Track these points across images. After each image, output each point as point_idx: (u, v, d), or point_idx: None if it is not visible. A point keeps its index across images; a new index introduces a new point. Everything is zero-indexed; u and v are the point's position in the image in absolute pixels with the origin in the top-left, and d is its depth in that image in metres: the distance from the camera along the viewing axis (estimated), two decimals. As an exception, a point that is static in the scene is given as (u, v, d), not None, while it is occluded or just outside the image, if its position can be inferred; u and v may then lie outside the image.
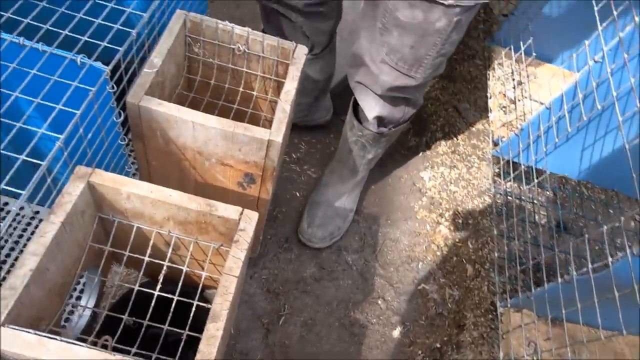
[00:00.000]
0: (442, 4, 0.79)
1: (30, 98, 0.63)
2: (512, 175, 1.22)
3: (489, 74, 1.39)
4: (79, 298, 0.81)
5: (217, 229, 0.68)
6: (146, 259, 0.69)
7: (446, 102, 1.54)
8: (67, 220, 0.61)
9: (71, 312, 0.79)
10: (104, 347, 0.59)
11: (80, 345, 0.52)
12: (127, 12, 0.71)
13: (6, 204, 1.05)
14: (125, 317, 0.67)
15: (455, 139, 1.48)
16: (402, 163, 1.43)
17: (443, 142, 1.47)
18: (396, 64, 0.93)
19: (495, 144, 1.31)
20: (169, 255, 0.71)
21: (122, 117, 0.76)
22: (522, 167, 1.18)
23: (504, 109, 1.27)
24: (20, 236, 1.00)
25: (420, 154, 1.45)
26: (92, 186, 0.65)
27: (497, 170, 1.32)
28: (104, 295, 0.86)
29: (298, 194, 1.33)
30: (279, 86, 0.95)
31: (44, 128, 0.60)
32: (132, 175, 0.90)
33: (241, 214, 0.65)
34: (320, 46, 1.19)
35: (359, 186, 1.28)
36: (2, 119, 0.61)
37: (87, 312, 0.71)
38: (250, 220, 0.65)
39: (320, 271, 1.24)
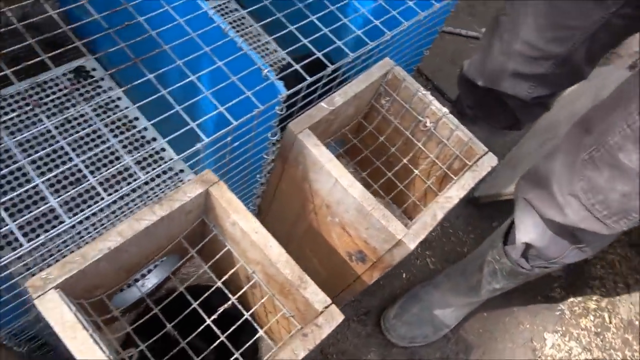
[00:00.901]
0: None
1: (200, 92, 0.61)
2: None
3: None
4: (144, 275, 0.81)
5: (297, 302, 0.61)
6: (219, 283, 0.65)
7: (620, 275, 1.28)
8: (169, 215, 0.58)
9: (130, 284, 0.79)
10: (131, 357, 0.56)
11: (103, 352, 0.48)
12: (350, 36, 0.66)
13: (163, 150, 1.10)
14: (169, 326, 0.63)
15: (608, 321, 1.22)
16: (532, 309, 1.22)
17: (591, 316, 1.23)
18: (592, 206, 0.75)
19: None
20: (243, 290, 0.65)
21: (277, 136, 0.72)
22: None
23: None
24: (161, 187, 1.03)
25: (558, 312, 1.22)
26: (209, 194, 0.61)
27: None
28: (177, 275, 0.84)
29: (404, 275, 1.21)
30: (445, 178, 0.84)
31: (194, 124, 0.57)
32: (260, 185, 0.87)
33: (326, 307, 0.57)
34: (523, 125, 1.07)
35: (469, 307, 1.12)
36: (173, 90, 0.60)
37: (140, 291, 0.69)
38: (331, 321, 0.56)
39: (382, 366, 1.11)
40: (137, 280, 0.81)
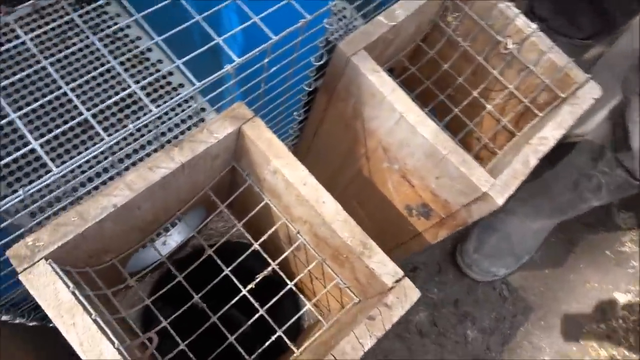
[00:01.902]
0: None
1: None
2: None
3: None
4: (167, 229, 0.69)
5: (356, 272, 0.48)
6: (256, 245, 0.52)
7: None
8: (191, 162, 0.45)
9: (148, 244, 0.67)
10: (150, 340, 0.44)
11: (111, 342, 0.37)
12: None
13: (181, 85, 0.95)
14: (196, 297, 0.52)
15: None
16: (601, 266, 1.08)
17: (667, 274, 1.09)
18: None
19: None
20: (285, 254, 0.52)
21: (323, 60, 0.57)
22: None
23: None
24: (178, 124, 0.89)
25: (631, 269, 1.08)
26: (242, 135, 0.47)
27: None
28: (204, 232, 0.72)
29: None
30: (523, 115, 0.68)
31: (221, 39, 0.42)
32: (297, 124, 0.73)
33: (397, 281, 0.44)
34: (614, 28, 0.90)
35: (550, 229, 1.01)
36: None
37: (160, 253, 0.57)
38: (404, 300, 0.43)
39: (431, 326, 1.00)
40: (158, 235, 0.69)
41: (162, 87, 0.84)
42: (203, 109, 0.89)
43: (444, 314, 1.01)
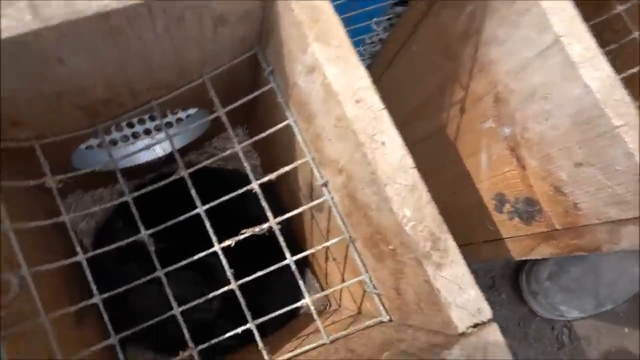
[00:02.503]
0: None
1: None
2: None
3: None
4: (148, 132, 0.49)
5: (401, 281, 0.27)
6: (255, 185, 0.32)
7: None
8: (168, 6, 0.24)
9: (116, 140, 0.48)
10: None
11: None
12: None
13: None
14: (144, 232, 0.33)
15: None
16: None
17: None
18: None
19: None
20: (297, 211, 0.32)
21: None
22: None
23: None
24: None
25: None
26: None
27: None
28: (204, 148, 0.53)
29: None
30: None
31: None
32: (370, 41, 0.51)
33: (476, 326, 0.23)
34: None
35: None
36: None
37: (110, 154, 0.37)
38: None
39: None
40: (133, 136, 0.50)
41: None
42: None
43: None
